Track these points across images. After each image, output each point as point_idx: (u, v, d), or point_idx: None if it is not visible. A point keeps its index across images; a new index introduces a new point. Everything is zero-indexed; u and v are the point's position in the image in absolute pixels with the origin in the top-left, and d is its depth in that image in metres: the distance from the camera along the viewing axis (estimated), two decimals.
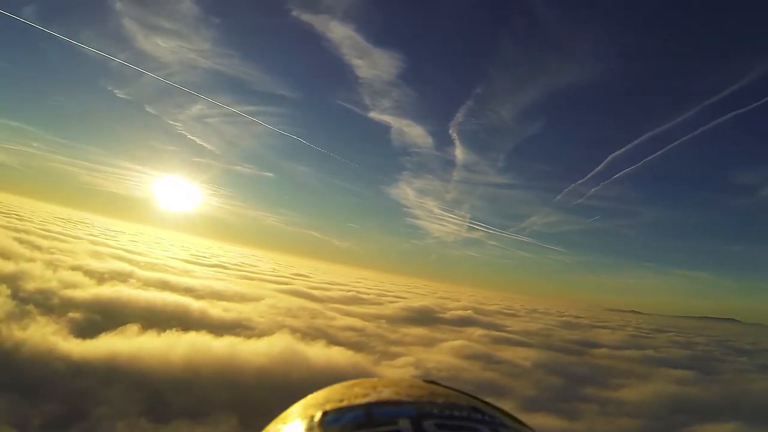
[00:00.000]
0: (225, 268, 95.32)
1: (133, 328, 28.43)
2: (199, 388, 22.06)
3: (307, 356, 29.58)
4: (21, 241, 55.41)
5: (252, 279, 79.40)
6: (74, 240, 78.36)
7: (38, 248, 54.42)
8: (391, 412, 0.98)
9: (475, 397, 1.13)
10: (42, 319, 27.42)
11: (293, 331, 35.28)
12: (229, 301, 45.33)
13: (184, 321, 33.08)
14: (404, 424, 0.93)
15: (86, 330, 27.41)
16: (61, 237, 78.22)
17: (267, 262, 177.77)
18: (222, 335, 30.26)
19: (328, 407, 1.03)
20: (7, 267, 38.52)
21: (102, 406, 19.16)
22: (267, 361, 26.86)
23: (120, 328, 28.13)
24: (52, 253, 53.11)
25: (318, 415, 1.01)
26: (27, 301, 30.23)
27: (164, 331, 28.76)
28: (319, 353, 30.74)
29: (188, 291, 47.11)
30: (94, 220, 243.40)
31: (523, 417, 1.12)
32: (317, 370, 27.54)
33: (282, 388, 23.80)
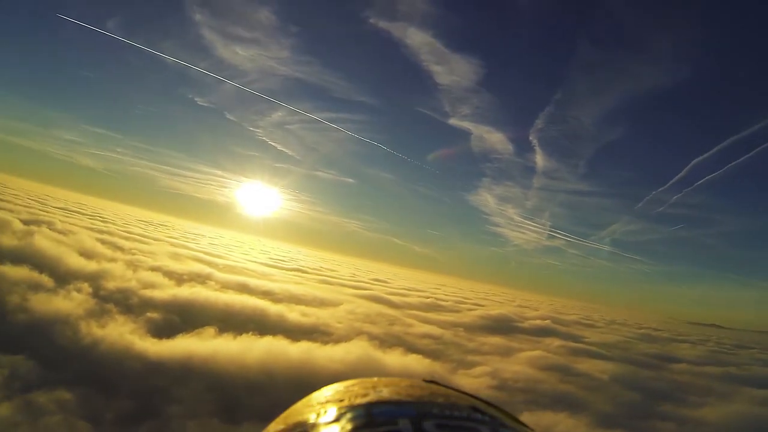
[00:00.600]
0: (304, 272, 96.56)
1: (210, 329, 29.08)
2: (273, 391, 22.19)
3: (383, 364, 29.47)
4: (104, 242, 57.97)
5: (331, 284, 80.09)
6: (155, 242, 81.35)
7: (120, 249, 56.81)
8: (392, 412, 0.99)
9: (475, 397, 1.15)
10: (120, 318, 28.43)
11: (371, 337, 35.42)
12: (307, 306, 45.76)
13: (261, 324, 33.56)
14: (404, 424, 0.95)
15: (163, 330, 28.21)
16: (142, 239, 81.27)
17: (346, 267, 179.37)
18: (299, 340, 30.48)
19: (328, 407, 1.05)
20: (90, 266, 40.20)
21: (174, 405, 19.54)
22: (343, 368, 26.85)
23: (197, 329, 28.83)
24: (133, 254, 55.32)
25: (318, 416, 1.02)
26: (107, 300, 31.49)
27: (241, 333, 29.22)
28: (396, 361, 30.58)
29: (266, 294, 47.83)
30: (174, 223, 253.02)
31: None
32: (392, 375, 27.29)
33: None
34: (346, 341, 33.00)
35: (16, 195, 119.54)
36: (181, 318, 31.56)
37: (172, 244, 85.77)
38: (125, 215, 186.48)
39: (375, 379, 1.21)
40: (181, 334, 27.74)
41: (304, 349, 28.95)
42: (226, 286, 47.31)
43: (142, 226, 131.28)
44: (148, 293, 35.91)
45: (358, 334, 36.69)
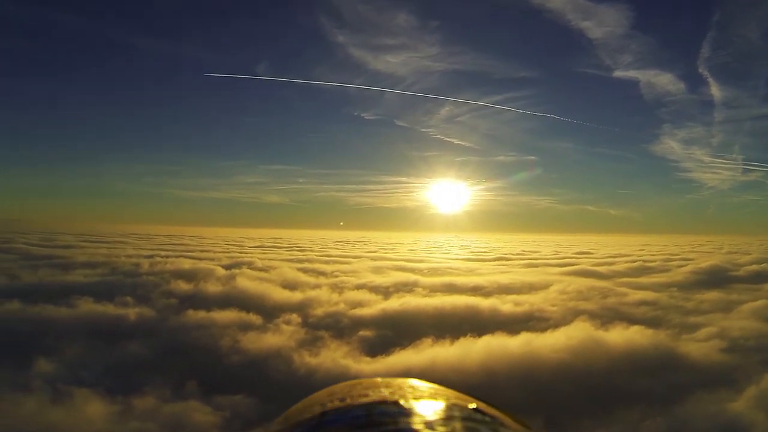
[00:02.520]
0: (507, 259, 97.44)
1: (425, 339, 29.61)
2: (497, 391, 22.06)
3: (606, 342, 28.49)
4: (305, 271, 61.94)
5: (536, 266, 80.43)
6: (354, 260, 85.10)
7: (322, 274, 60.12)
8: (392, 413, 1.05)
9: (476, 397, 1.21)
10: (333, 343, 29.82)
11: (587, 316, 35.11)
12: (518, 294, 45.98)
13: (475, 323, 33.80)
14: (405, 424, 0.99)
15: (377, 347, 29.13)
16: (342, 259, 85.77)
17: (547, 245, 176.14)
18: (516, 332, 30.34)
19: (329, 407, 1.12)
20: (295, 297, 43.05)
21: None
22: (566, 355, 26.21)
23: (411, 340, 29.43)
24: (336, 276, 58.40)
25: (318, 416, 1.09)
26: (317, 327, 33.27)
27: (457, 337, 29.47)
28: (618, 337, 29.38)
29: (475, 290, 48.57)
30: (369, 237, 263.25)
31: None
32: (618, 356, 26.50)
33: (584, 381, 23.29)
34: (564, 325, 32.57)
35: (214, 244, 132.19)
36: (394, 332, 32.36)
37: (372, 259, 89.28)
38: (321, 240, 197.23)
39: (375, 379, 1.27)
40: (396, 349, 28.37)
41: (524, 341, 28.70)
42: (433, 290, 48.39)
43: (339, 247, 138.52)
44: (357, 312, 37.43)
45: (574, 314, 36.48)
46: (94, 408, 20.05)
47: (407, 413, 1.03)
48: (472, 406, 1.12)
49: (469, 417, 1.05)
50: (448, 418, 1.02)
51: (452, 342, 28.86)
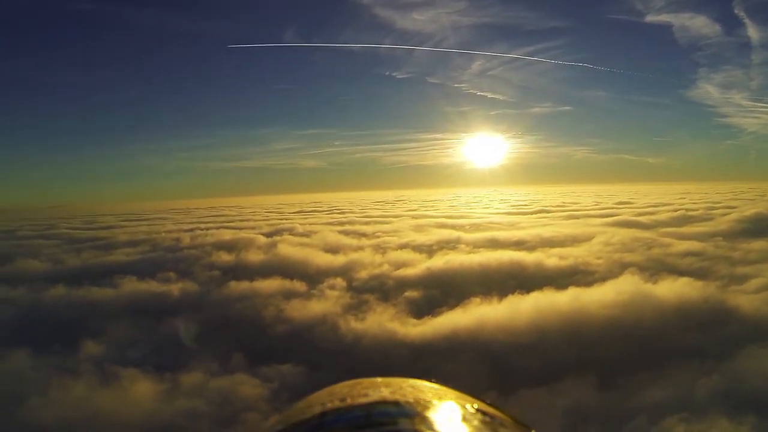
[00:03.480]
0: (548, 212, 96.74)
1: (472, 296, 28.94)
2: (548, 350, 21.62)
3: (654, 296, 27.53)
4: (347, 233, 62.00)
5: (577, 217, 79.69)
6: (395, 219, 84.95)
7: (364, 236, 59.93)
8: (392, 413, 1.06)
9: (476, 397, 1.23)
10: (379, 306, 29.41)
11: (633, 268, 34.26)
12: (561, 247, 45.36)
13: (521, 278, 33.34)
14: (405, 424, 1.00)
15: (424, 308, 28.56)
16: (383, 219, 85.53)
17: (587, 196, 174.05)
18: (563, 287, 29.54)
19: (329, 407, 1.13)
20: (338, 260, 42.76)
21: (446, 384, 19.23)
22: (616, 310, 25.34)
23: (458, 299, 28.83)
24: (378, 237, 58.21)
25: (318, 416, 1.09)
26: (362, 290, 32.94)
27: (503, 293, 28.86)
28: (666, 290, 28.32)
29: (519, 245, 47.95)
30: (409, 196, 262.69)
31: None
32: (668, 310, 25.56)
33: (635, 337, 22.50)
34: (611, 278, 31.87)
35: (254, 212, 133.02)
36: (440, 291, 31.84)
37: (413, 217, 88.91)
38: (360, 202, 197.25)
39: (375, 379, 1.28)
40: (443, 309, 27.82)
41: (572, 296, 27.87)
42: (476, 246, 47.80)
43: (379, 208, 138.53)
44: (402, 273, 36.95)
45: (619, 266, 35.77)
46: (143, 387, 20.01)
47: (407, 413, 1.04)
48: (472, 405, 1.13)
49: (469, 417, 1.06)
50: (448, 419, 1.03)
51: (499, 300, 28.20)
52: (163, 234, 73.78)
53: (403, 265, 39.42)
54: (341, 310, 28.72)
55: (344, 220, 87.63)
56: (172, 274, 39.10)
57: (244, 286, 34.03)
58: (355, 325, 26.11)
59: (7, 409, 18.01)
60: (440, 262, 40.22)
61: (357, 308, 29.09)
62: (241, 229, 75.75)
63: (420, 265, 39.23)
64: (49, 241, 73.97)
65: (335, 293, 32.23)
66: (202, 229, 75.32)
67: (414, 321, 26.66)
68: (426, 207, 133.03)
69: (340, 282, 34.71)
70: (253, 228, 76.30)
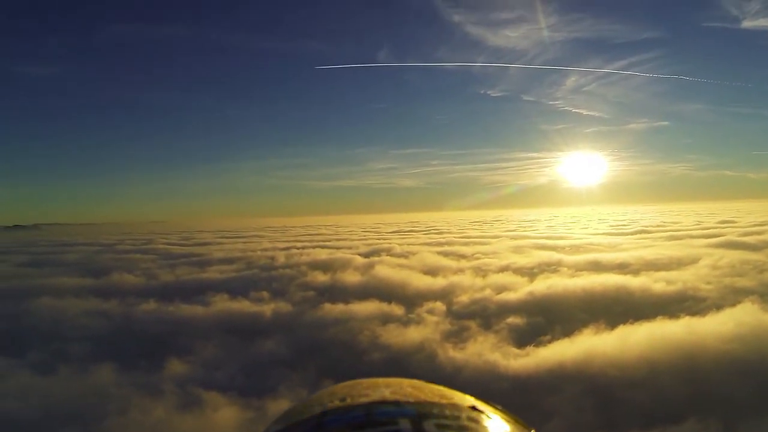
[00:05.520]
0: (648, 232, 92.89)
1: (577, 324, 27.10)
2: (665, 387, 19.32)
3: None
4: (445, 254, 60.23)
5: (679, 238, 75.37)
6: (494, 240, 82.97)
7: (463, 257, 58.08)
8: (392, 413, 1.04)
9: (476, 397, 1.18)
10: (480, 333, 27.55)
11: (747, 294, 30.98)
12: (667, 271, 42.39)
13: (627, 304, 31.40)
14: (404, 424, 0.99)
15: (527, 336, 26.69)
16: (481, 240, 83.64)
17: (687, 215, 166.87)
18: (674, 315, 27.10)
19: (329, 407, 1.11)
20: (437, 283, 41.02)
21: (550, 420, 17.66)
22: (737, 345, 22.17)
23: (563, 327, 27.09)
24: (477, 258, 56.11)
25: (318, 416, 1.08)
26: (462, 316, 31.09)
27: (610, 321, 26.82)
28: None
29: (622, 267, 45.55)
30: (506, 215, 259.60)
31: None
32: None
33: (761, 375, 19.44)
34: (725, 305, 28.70)
35: (351, 232, 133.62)
36: (544, 318, 29.81)
37: (512, 238, 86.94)
38: (458, 221, 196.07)
39: (375, 379, 1.25)
40: (547, 338, 25.93)
41: (685, 326, 25.23)
42: (578, 268, 45.37)
43: (477, 228, 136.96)
44: (503, 297, 35.01)
45: (732, 293, 32.57)
46: (226, 413, 18.93)
47: (407, 413, 1.02)
48: (473, 405, 1.11)
49: (468, 417, 1.04)
50: (447, 418, 1.02)
51: (607, 328, 26.03)
52: (259, 252, 73.85)
53: (504, 288, 37.35)
54: (440, 336, 26.97)
55: (443, 240, 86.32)
56: (265, 294, 38.46)
57: (339, 308, 32.82)
58: (454, 354, 24.31)
59: (85, 428, 17.32)
60: (543, 286, 37.93)
61: (457, 335, 27.26)
62: (337, 248, 75.29)
63: (522, 289, 37.06)
64: (145, 255, 75.64)
65: (434, 318, 30.50)
66: (297, 248, 75.11)
67: (516, 351, 24.63)
68: (524, 227, 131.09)
69: (439, 306, 33.00)
70: (349, 248, 75.88)
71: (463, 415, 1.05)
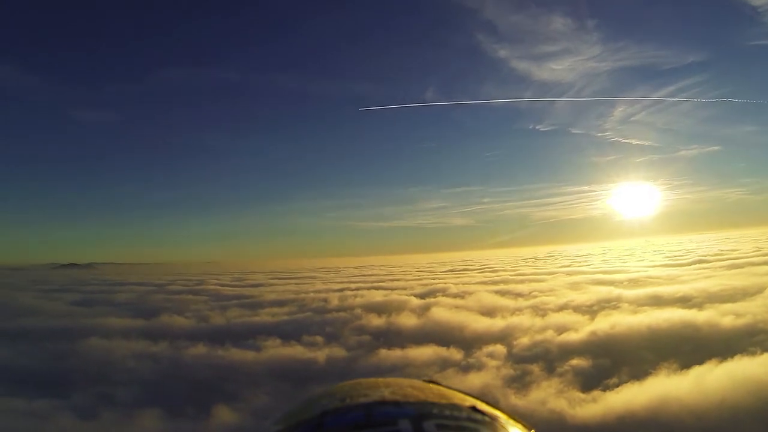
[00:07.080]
0: (706, 261, 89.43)
1: (645, 365, 25.93)
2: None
3: None
4: (501, 293, 58.74)
5: (740, 266, 71.95)
6: (549, 276, 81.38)
7: (520, 295, 56.62)
8: (392, 413, 1.05)
9: (476, 397, 1.20)
10: (543, 377, 26.65)
11: None
12: (732, 302, 40.14)
13: (696, 342, 30.06)
14: (404, 424, 1.00)
15: (593, 379, 25.65)
16: (537, 277, 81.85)
17: (744, 241, 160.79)
18: (748, 352, 25.47)
19: (328, 408, 1.11)
20: (496, 324, 40.01)
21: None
22: None
23: (630, 368, 26.14)
24: (535, 297, 54.74)
25: (318, 416, 1.08)
26: (523, 359, 30.10)
27: (678, 359, 25.78)
28: None
29: (684, 301, 43.59)
30: (559, 251, 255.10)
31: None
32: None
33: None
34: None
35: (405, 272, 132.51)
36: (610, 359, 28.74)
37: (567, 273, 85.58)
38: (511, 258, 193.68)
39: (375, 379, 1.25)
40: (615, 381, 24.87)
41: (761, 363, 23.58)
42: (639, 303, 43.82)
43: (532, 264, 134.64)
44: (565, 338, 33.93)
45: None
46: None
47: (407, 413, 1.03)
48: (472, 405, 1.12)
49: (468, 417, 1.06)
50: (447, 418, 1.03)
51: (678, 369, 24.68)
52: (312, 294, 72.77)
53: (565, 328, 36.14)
54: (502, 382, 26.11)
55: (497, 278, 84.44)
56: (318, 338, 37.69)
57: (396, 354, 32.04)
58: (517, 401, 23.40)
59: None
60: (605, 324, 36.49)
61: (519, 380, 26.34)
62: (392, 289, 74.03)
63: (583, 329, 35.79)
64: (197, 296, 74.95)
65: (494, 362, 29.55)
66: (351, 290, 73.87)
67: (582, 396, 23.52)
68: (579, 262, 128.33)
69: (499, 349, 32.02)
70: (404, 288, 74.72)
71: (463, 415, 1.05)
